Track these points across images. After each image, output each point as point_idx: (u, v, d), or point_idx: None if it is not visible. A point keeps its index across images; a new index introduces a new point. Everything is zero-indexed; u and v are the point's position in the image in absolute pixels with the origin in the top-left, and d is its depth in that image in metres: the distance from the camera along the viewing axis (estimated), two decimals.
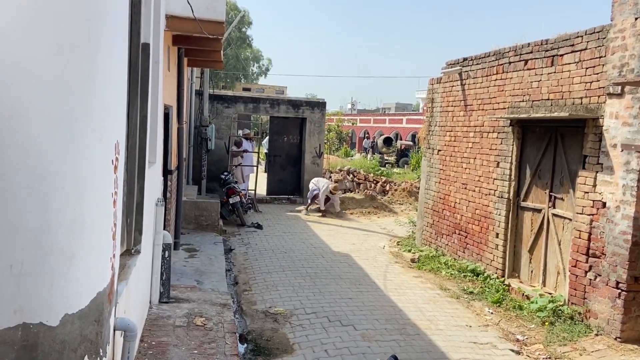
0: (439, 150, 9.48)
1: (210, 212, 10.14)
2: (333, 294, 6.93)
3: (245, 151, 14.20)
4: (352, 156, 28.92)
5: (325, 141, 29.02)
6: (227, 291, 6.58)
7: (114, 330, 3.04)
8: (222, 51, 9.27)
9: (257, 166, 14.52)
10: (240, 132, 16.16)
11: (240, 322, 5.96)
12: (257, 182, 13.94)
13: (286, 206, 14.39)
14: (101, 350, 2.65)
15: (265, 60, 51.70)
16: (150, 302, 5.40)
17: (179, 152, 8.29)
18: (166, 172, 6.99)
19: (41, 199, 2.24)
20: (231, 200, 11.30)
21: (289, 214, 13.23)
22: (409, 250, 9.67)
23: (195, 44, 7.66)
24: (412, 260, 9.00)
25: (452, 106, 9.09)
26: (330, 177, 17.61)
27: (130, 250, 4.09)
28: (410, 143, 31.35)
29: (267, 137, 16.14)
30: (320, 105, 15.31)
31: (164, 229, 6.34)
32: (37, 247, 2.20)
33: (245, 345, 5.34)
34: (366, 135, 43.47)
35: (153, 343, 4.49)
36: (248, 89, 44.38)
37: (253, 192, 13.91)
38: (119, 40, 2.88)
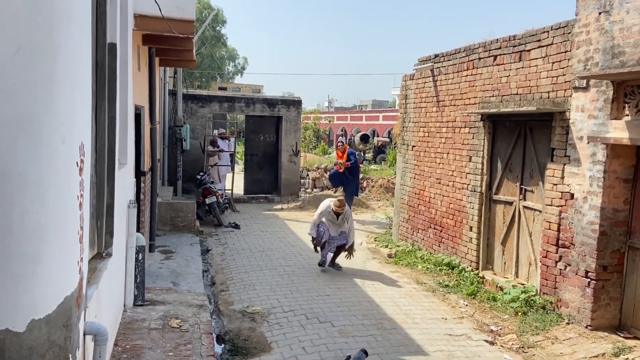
0: (414, 146, 9.57)
1: (187, 213, 10.06)
2: (311, 292, 6.95)
3: (222, 151, 14.10)
4: (329, 154, 28.99)
5: (302, 139, 29.05)
6: (204, 292, 6.55)
7: (84, 335, 3.00)
8: (195, 50, 9.20)
9: (233, 166, 14.45)
10: (215, 131, 16.07)
11: (218, 322, 5.93)
12: (233, 181, 13.87)
13: (264, 205, 14.36)
14: (70, 356, 2.62)
15: (240, 59, 51.45)
16: (124, 306, 5.34)
17: (152, 153, 8.20)
18: (139, 173, 6.91)
19: (2, 203, 2.20)
20: (207, 201, 11.23)
21: (267, 212, 13.20)
22: (386, 246, 9.76)
23: (167, 44, 7.58)
24: (389, 256, 9.08)
25: (425, 102, 9.18)
26: (307, 174, 17.64)
27: (101, 253, 4.04)
28: (387, 139, 31.54)
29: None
30: (296, 103, 15.30)
31: (138, 231, 6.28)
32: None
33: (223, 345, 5.33)
34: (343, 132, 43.57)
35: (127, 347, 4.45)
36: (224, 88, 44.09)
37: (230, 191, 13.85)
38: (82, 40, 2.84)
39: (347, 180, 12.42)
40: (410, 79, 9.75)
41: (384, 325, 5.86)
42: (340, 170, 12.43)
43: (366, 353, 2.28)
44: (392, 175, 17.20)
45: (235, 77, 52.19)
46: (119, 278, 5.01)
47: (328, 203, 8.04)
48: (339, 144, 13.47)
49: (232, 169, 14.13)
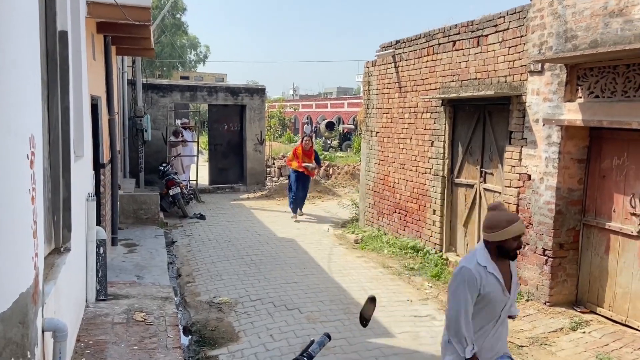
0: (377, 132, 9.64)
1: (150, 205, 9.88)
2: (278, 280, 6.96)
3: (185, 141, 13.87)
4: (295, 142, 28.94)
5: (268, 128, 28.86)
6: (170, 284, 6.47)
7: (43, 332, 2.93)
8: (154, 38, 8.98)
9: (197, 156, 14.25)
10: (178, 121, 15.79)
11: (184, 314, 5.88)
12: (198, 172, 13.69)
13: (230, 195, 14.24)
14: (28, 353, 2.55)
15: (202, 47, 50.51)
16: (86, 301, 5.23)
17: (111, 144, 7.99)
18: (98, 165, 6.73)
19: None
20: (171, 192, 11.05)
21: (233, 202, 13.11)
22: (353, 232, 9.85)
23: (122, 31, 7.36)
24: (356, 241, 9.17)
25: (387, 88, 9.25)
26: (273, 163, 17.57)
27: (59, 248, 3.93)
28: (352, 126, 31.69)
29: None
30: (260, 91, 15.16)
31: (99, 224, 6.14)
32: None
33: (190, 337, 5.29)
34: (309, 120, 43.50)
35: (90, 342, 4.36)
36: (186, 78, 43.29)
37: (194, 182, 13.67)
38: (28, 28, 2.73)
39: (304, 183, 11.26)
40: (372, 66, 9.79)
41: (351, 309, 5.93)
42: (312, 176, 11.55)
43: (329, 337, 2.30)
44: (357, 162, 17.32)
45: (197, 66, 51.26)
46: (80, 273, 4.89)
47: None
48: (305, 139, 11.62)
49: (197, 159, 13.94)
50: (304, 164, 10.93)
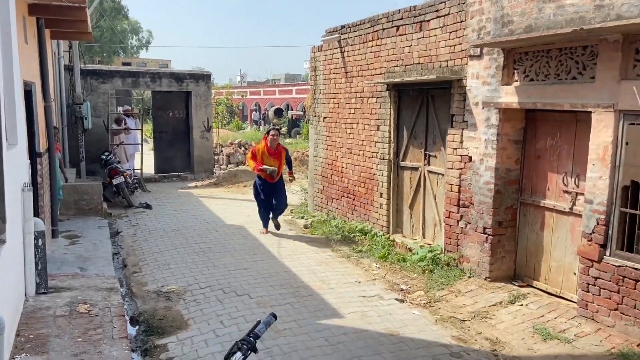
0: (325, 118, 9.69)
1: (92, 195, 9.54)
2: (228, 266, 6.92)
3: (128, 129, 13.42)
4: (244, 129, 28.65)
5: (216, 115, 28.35)
6: (115, 275, 6.30)
7: None
8: (92, 22, 8.59)
9: (141, 144, 13.83)
10: (120, 108, 15.25)
11: (131, 304, 5.76)
12: (142, 160, 13.32)
13: (177, 183, 13.96)
14: None
15: (145, 32, 48.88)
16: (25, 295, 5.02)
17: (48, 132, 7.63)
18: (34, 154, 6.43)
19: None
20: (115, 181, 10.71)
21: (181, 191, 12.86)
22: (302, 217, 9.90)
23: (57, 14, 7.00)
24: (305, 226, 9.23)
25: (334, 73, 9.29)
26: (221, 150, 17.34)
27: None
28: (301, 113, 31.63)
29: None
30: (205, 77, 14.86)
31: (37, 215, 5.89)
32: None
33: (137, 327, 5.19)
34: (257, 107, 43.08)
35: (31, 336, 4.20)
36: (128, 64, 41.68)
37: (139, 171, 13.29)
38: None
39: (273, 191, 8.57)
40: (318, 51, 9.80)
41: (301, 292, 5.99)
42: (271, 182, 8.53)
43: (275, 316, 2.32)
44: (306, 148, 17.35)
45: (140, 51, 49.58)
46: (17, 266, 4.68)
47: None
48: (272, 133, 8.59)
49: (141, 148, 13.54)
50: (260, 167, 8.34)
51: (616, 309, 4.71)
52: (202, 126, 14.65)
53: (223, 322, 5.17)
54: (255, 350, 2.10)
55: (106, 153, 11.74)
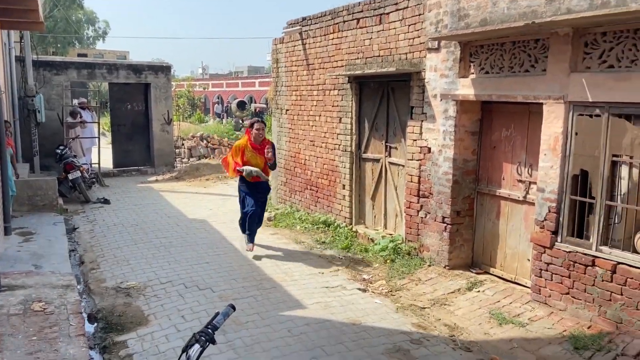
0: (287, 110, 9.67)
1: (47, 190, 9.23)
2: (189, 261, 6.84)
3: (83, 122, 13.02)
4: (206, 122, 28.25)
5: (176, 108, 27.83)
6: (71, 272, 6.13)
7: None
8: (44, 11, 8.27)
9: (98, 138, 13.46)
10: (75, 101, 14.78)
11: (89, 302, 5.63)
12: (100, 154, 12.97)
13: (137, 178, 13.67)
14: None
15: (101, 22, 47.42)
16: None
17: None
18: None
19: None
20: (70, 176, 10.39)
21: (140, 185, 12.60)
22: (266, 210, 9.86)
23: (5, 2, 6.70)
24: (269, 219, 9.20)
25: (295, 66, 9.27)
26: (182, 144, 17.06)
27: None
28: (264, 105, 31.40)
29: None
30: (165, 69, 14.56)
31: None
32: None
33: (95, 324, 5.08)
34: (219, 100, 42.54)
35: None
36: (84, 55, 40.40)
37: (97, 165, 12.94)
38: None
39: (261, 195, 7.20)
40: (280, 43, 9.74)
41: (264, 285, 5.98)
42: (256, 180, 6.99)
43: (233, 307, 2.32)
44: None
45: (96, 42, 48.08)
46: None
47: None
48: (256, 126, 6.96)
49: (98, 141, 13.18)
50: (239, 167, 6.80)
51: (567, 293, 4.91)
52: (163, 119, 14.37)
53: (185, 316, 5.12)
54: (213, 341, 2.10)
55: (61, 147, 11.37)
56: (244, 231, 7.30)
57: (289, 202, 9.77)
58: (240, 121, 28.79)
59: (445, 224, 6.21)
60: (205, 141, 17.30)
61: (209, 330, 2.12)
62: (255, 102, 34.91)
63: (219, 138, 17.96)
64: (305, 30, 8.85)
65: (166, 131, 14.49)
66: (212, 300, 5.55)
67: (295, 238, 7.97)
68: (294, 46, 9.24)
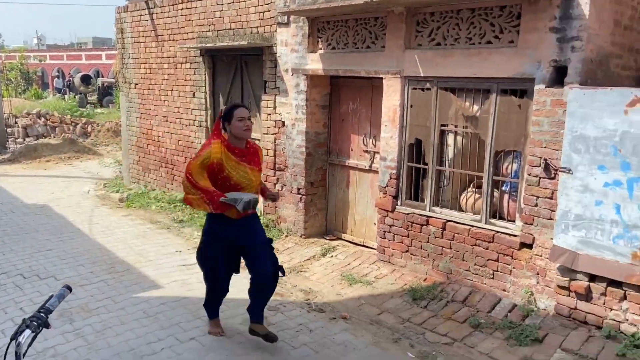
0: (136, 84, 9.12)
1: None
2: (28, 249, 6.22)
3: None
4: (45, 98, 25.45)
5: (7, 82, 24.70)
6: None
7: None
8: None
9: None
10: None
11: None
12: None
13: None
14: None
15: None
16: None
17: None
18: None
19: None
20: None
21: None
22: (117, 191, 9.31)
23: None
24: (121, 200, 8.71)
25: (143, 37, 8.75)
26: (16, 122, 15.24)
27: None
28: (113, 80, 29.18)
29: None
30: None
31: None
32: None
33: None
34: (60, 73, 38.58)
35: None
36: None
37: None
38: None
39: (254, 235, 3.96)
40: (124, 11, 9.10)
41: (116, 268, 5.69)
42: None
43: (70, 288, 2.20)
44: (119, 118, 16.19)
45: None
46: None
47: None
48: (238, 112, 3.67)
49: None
50: (226, 198, 3.58)
51: (407, 251, 5.44)
52: None
53: (23, 308, 4.68)
54: (47, 325, 1.98)
55: None
56: (211, 313, 4.30)
57: (143, 181, 9.31)
58: (86, 97, 26.50)
59: (300, 195, 6.44)
60: (43, 119, 15.63)
61: (41, 314, 1.99)
62: (102, 77, 32.27)
63: (60, 115, 16.37)
64: None
65: None
66: (56, 289, 5.10)
67: (150, 218, 7.66)
68: (140, 15, 8.69)
